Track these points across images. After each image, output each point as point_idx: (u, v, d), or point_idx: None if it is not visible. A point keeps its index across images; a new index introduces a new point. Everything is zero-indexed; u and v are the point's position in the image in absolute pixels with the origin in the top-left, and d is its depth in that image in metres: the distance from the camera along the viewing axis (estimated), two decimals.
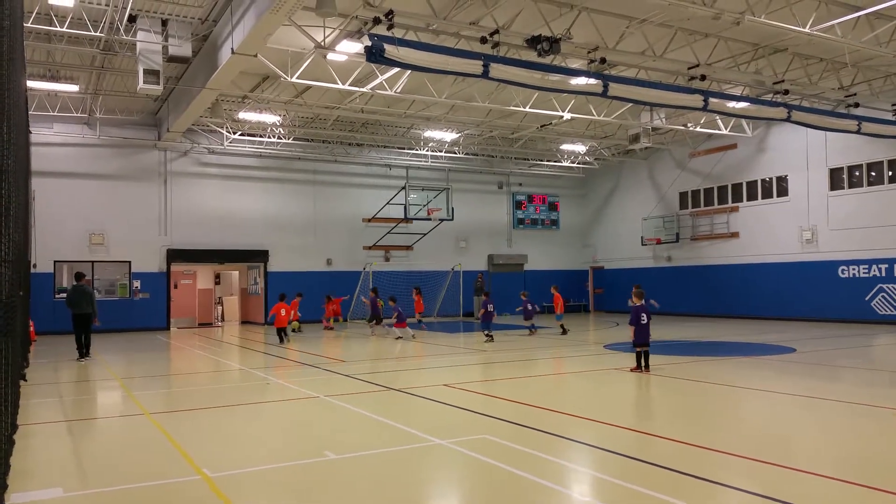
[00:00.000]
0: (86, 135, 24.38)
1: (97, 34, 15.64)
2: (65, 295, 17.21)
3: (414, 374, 13.08)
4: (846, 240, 24.32)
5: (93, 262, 24.69)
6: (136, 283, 25.41)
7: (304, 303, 23.41)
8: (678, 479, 5.85)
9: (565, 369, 13.86)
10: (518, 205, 33.99)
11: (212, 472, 6.20)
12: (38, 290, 22.57)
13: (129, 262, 25.29)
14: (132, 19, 15.65)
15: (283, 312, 19.27)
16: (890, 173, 23.37)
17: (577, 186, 35.98)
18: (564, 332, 20.74)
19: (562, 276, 34.19)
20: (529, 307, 21.21)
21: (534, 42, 14.80)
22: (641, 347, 12.22)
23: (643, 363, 12.27)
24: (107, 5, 15.07)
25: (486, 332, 19.23)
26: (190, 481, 5.99)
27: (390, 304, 21.06)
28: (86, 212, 24.50)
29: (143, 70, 15.92)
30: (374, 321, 22.41)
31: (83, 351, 15.76)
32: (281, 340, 19.06)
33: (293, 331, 21.66)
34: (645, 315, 12.22)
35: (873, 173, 23.84)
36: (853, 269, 24.07)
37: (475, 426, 8.15)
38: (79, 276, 16.75)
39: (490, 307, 19.69)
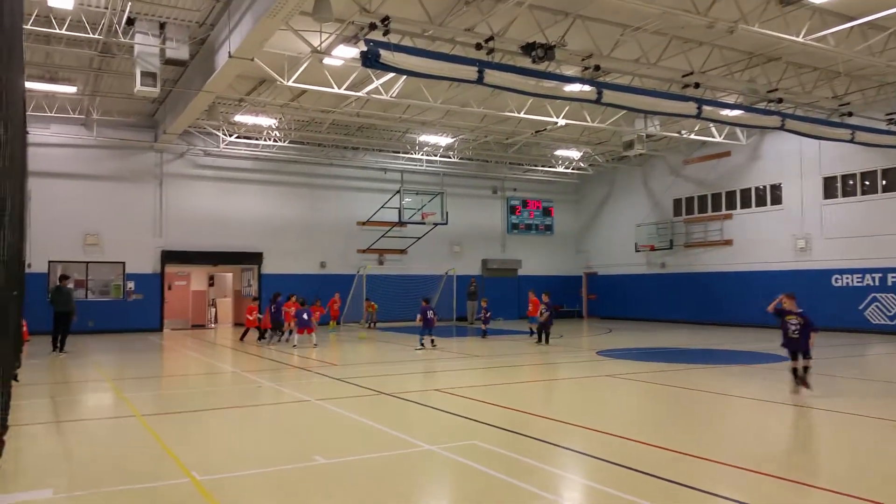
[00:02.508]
0: (82, 136, 24.40)
1: (95, 36, 15.70)
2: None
3: (406, 379, 13.13)
4: (840, 248, 24.39)
5: (87, 262, 24.70)
6: (130, 285, 25.41)
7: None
8: (668, 488, 5.89)
9: (558, 375, 13.92)
10: (512, 209, 34.07)
11: (200, 475, 6.24)
12: (32, 290, 22.43)
13: (124, 262, 25.29)
14: (130, 22, 15.70)
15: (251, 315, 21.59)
16: (884, 182, 23.45)
17: (572, 192, 36.09)
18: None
19: (556, 282, 34.31)
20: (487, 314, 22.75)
21: (528, 49, 14.90)
22: (794, 360, 10.86)
23: (800, 377, 10.79)
24: (105, 8, 15.13)
25: (422, 337, 18.28)
26: (178, 484, 6.03)
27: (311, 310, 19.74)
28: (81, 212, 24.51)
29: (141, 72, 15.97)
30: (277, 331, 20.58)
31: (56, 345, 17.18)
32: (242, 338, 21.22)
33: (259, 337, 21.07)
34: (792, 325, 10.89)
35: (867, 182, 23.94)
36: (847, 278, 24.15)
37: (466, 432, 8.20)
38: (62, 278, 18.42)
39: (430, 314, 18.40)
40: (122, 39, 15.93)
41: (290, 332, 19.89)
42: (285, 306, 20.43)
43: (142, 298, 25.52)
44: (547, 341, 19.30)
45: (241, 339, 21.17)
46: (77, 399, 11.26)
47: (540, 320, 19.45)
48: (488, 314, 22.79)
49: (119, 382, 12.67)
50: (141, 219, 25.58)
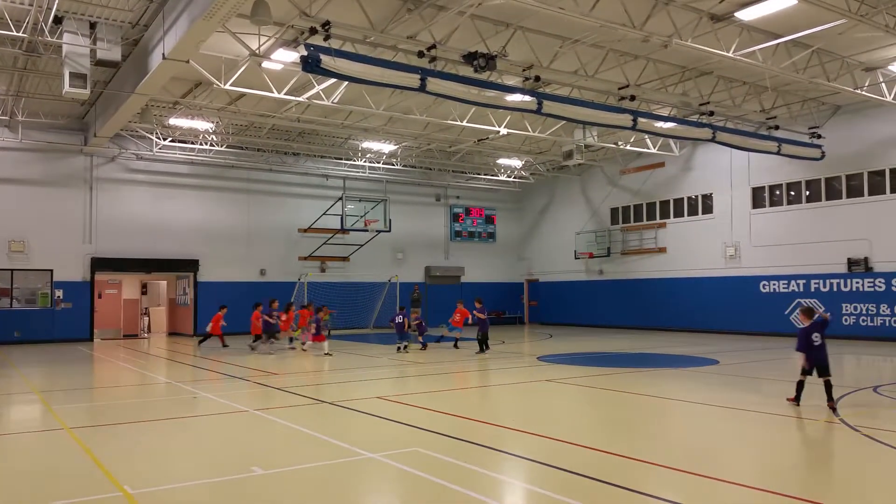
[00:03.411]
0: (6, 138, 23.26)
1: (19, 34, 14.98)
2: None
3: (347, 387, 12.99)
4: (767, 256, 25.41)
5: (12, 270, 23.55)
6: (59, 293, 24.35)
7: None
8: (608, 491, 6.01)
9: (499, 381, 14.01)
10: (455, 217, 34.25)
11: (133, 489, 6.01)
12: None
13: (51, 270, 24.22)
14: (58, 20, 15.07)
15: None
16: (808, 193, 24.57)
17: (514, 200, 36.54)
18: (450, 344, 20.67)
19: (498, 289, 34.70)
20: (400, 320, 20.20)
21: (470, 58, 15.02)
22: (805, 375, 9.94)
23: (798, 393, 10.03)
24: (30, 5, 14.48)
25: (400, 343, 19.47)
26: (110, 498, 5.80)
27: (321, 317, 19.71)
28: (5, 218, 23.37)
29: (70, 73, 15.34)
30: (267, 338, 20.13)
31: None
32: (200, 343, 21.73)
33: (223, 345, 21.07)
34: (818, 336, 9.88)
35: (792, 192, 25.02)
36: (773, 285, 25.16)
37: (407, 439, 8.17)
38: None
39: (399, 318, 19.49)
40: (49, 38, 15.28)
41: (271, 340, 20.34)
42: (283, 315, 20.45)
43: (71, 307, 24.48)
44: (483, 348, 18.98)
45: (200, 343, 21.31)
46: (0, 412, 10.72)
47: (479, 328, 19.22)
48: (417, 322, 21.26)
49: (47, 394, 12.11)
50: (70, 225, 24.56)
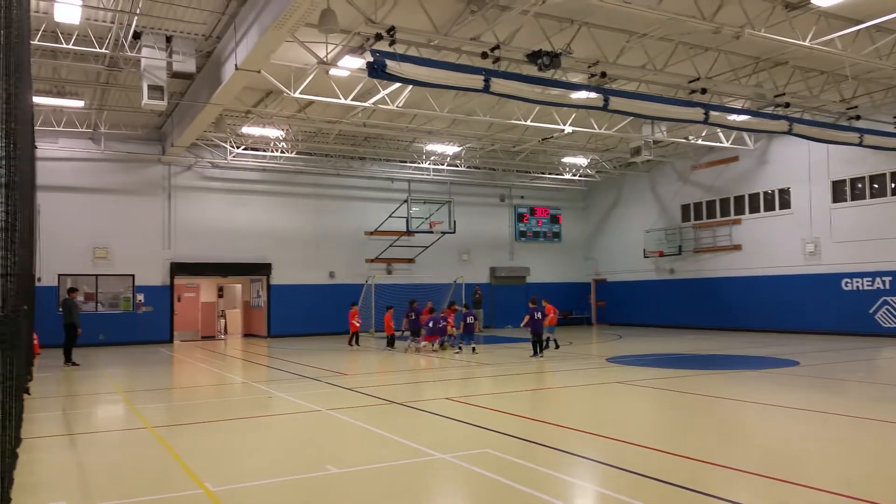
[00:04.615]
0: (90, 149, 24.56)
1: (102, 51, 15.84)
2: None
3: (416, 388, 13.09)
4: (850, 252, 24.20)
5: (97, 275, 24.81)
6: (140, 297, 25.52)
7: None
8: (682, 495, 5.85)
9: (568, 383, 13.84)
10: (520, 217, 34.06)
11: (214, 486, 6.22)
12: (42, 303, 22.64)
13: (133, 275, 25.40)
14: (137, 36, 15.83)
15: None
16: (893, 185, 23.23)
17: (579, 199, 36.06)
18: (555, 345, 19.48)
19: (564, 289, 34.28)
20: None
21: (534, 57, 14.92)
22: None
23: None
24: (111, 22, 15.26)
25: (462, 343, 19.60)
26: (192, 495, 6.01)
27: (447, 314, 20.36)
28: (90, 226, 24.66)
29: (148, 86, 16.08)
30: (414, 338, 20.84)
31: (68, 358, 17.61)
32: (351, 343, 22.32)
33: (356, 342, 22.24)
34: None
35: (876, 185, 23.74)
36: (857, 282, 23.95)
37: (477, 440, 8.16)
38: (70, 291, 18.96)
39: (470, 319, 19.36)
40: (129, 53, 16.07)
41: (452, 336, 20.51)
42: (443, 313, 20.97)
43: (151, 311, 25.62)
44: (541, 351, 17.81)
45: (350, 343, 22.26)
46: (89, 411, 11.27)
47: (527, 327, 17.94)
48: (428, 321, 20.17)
49: (130, 394, 12.68)
50: (149, 231, 25.72)
